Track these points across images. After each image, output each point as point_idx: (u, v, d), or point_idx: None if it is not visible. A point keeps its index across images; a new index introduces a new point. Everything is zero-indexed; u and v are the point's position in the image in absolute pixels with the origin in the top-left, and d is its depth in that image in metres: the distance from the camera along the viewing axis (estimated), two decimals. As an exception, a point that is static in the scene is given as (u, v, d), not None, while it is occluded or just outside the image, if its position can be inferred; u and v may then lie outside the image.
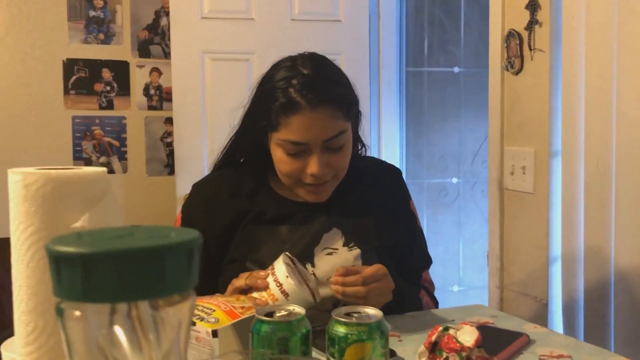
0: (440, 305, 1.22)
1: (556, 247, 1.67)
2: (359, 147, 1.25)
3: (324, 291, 1.04)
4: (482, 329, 0.98)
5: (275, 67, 1.13)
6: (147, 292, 0.28)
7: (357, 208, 1.19)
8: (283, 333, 0.68)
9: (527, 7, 1.69)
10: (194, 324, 0.73)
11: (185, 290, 0.30)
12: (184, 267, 0.30)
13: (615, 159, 1.47)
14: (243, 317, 0.74)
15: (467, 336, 0.75)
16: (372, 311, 0.71)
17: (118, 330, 0.29)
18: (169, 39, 2.40)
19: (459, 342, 0.75)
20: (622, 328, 1.49)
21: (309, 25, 2.41)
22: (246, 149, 1.19)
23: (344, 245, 1.14)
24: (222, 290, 1.14)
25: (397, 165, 2.67)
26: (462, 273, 2.71)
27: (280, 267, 0.95)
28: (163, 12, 2.53)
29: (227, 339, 0.79)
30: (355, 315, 0.70)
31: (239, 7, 2.36)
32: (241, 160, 1.23)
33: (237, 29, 2.35)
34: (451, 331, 0.76)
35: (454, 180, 2.71)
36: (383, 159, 2.72)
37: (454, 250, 2.72)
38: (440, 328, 0.77)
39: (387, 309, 0.97)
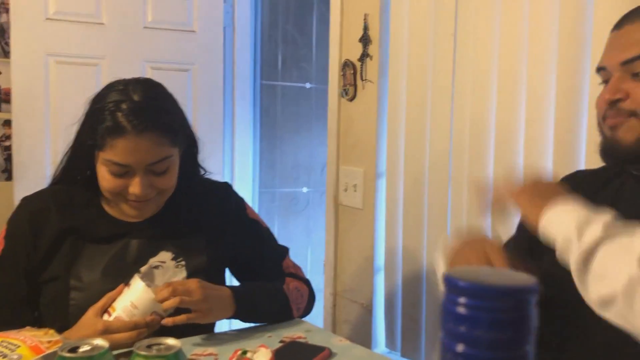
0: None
1: (380, 258, 1.86)
2: (201, 173, 1.32)
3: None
4: (290, 345, 1.10)
5: (108, 87, 1.16)
6: None
7: (186, 229, 1.25)
8: (84, 367, 0.73)
9: (360, 40, 1.85)
10: (-4, 361, 0.75)
11: None
12: None
13: (427, 180, 1.68)
14: (48, 351, 0.77)
15: (262, 358, 0.85)
16: (172, 342, 0.78)
17: None
18: (9, 37, 2.27)
19: (254, 364, 0.85)
20: (429, 331, 1.70)
21: (162, 34, 2.41)
22: (79, 165, 1.21)
23: (172, 260, 1.20)
24: (43, 310, 1.15)
25: (251, 175, 2.78)
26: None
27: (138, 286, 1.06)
28: (3, 8, 2.38)
29: (35, 372, 0.82)
30: (156, 347, 0.76)
31: (88, 10, 2.29)
32: (78, 177, 1.24)
33: (86, 33, 2.29)
34: (249, 354, 0.86)
35: (304, 189, 2.86)
36: (237, 169, 2.81)
37: (303, 255, 2.87)
38: (240, 352, 0.86)
39: (247, 314, 1.18)
